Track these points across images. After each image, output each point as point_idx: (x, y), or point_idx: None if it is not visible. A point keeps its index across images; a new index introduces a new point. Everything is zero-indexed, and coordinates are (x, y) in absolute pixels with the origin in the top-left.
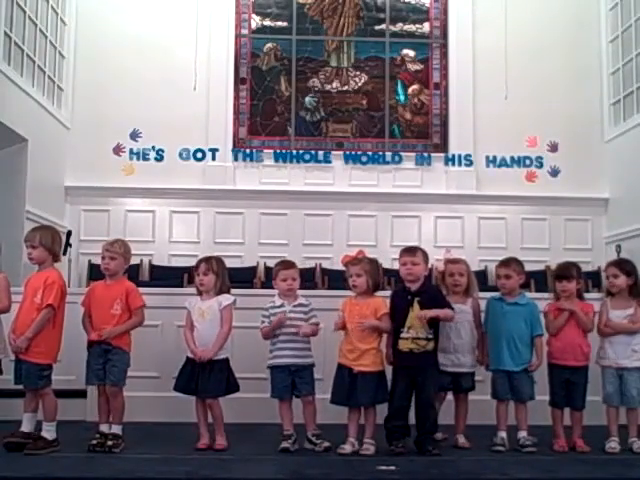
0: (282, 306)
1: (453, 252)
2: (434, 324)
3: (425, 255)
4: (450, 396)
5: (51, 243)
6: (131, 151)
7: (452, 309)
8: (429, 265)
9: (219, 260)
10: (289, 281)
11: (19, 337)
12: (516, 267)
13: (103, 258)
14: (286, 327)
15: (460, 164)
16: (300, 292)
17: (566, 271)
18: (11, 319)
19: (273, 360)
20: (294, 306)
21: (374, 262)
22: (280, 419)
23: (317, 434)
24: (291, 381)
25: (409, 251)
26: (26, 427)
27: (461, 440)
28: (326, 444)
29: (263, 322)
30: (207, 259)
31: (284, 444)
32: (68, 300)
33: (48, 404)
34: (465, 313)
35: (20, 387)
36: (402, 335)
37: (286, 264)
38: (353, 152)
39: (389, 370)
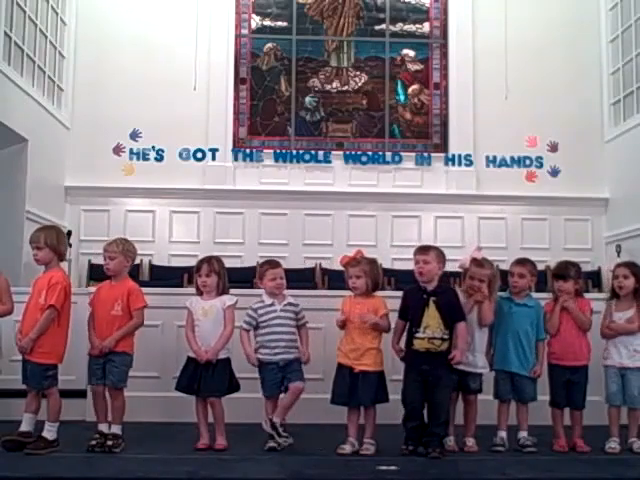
0: (273, 304)
1: (463, 252)
2: (450, 324)
3: (440, 254)
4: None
5: (56, 243)
6: (131, 151)
7: (464, 320)
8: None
9: (219, 260)
10: (278, 280)
11: (24, 337)
12: (531, 269)
13: (104, 259)
14: (274, 326)
15: (460, 164)
16: (300, 292)
17: (563, 271)
18: (9, 320)
19: (262, 356)
20: (284, 305)
21: (373, 262)
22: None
23: (285, 426)
24: (281, 377)
25: (422, 249)
26: (24, 427)
27: (469, 443)
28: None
29: (247, 323)
30: (208, 260)
31: (271, 443)
32: None
33: (53, 404)
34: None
35: (22, 387)
36: (418, 335)
37: (273, 263)
38: (353, 152)
39: (387, 371)
